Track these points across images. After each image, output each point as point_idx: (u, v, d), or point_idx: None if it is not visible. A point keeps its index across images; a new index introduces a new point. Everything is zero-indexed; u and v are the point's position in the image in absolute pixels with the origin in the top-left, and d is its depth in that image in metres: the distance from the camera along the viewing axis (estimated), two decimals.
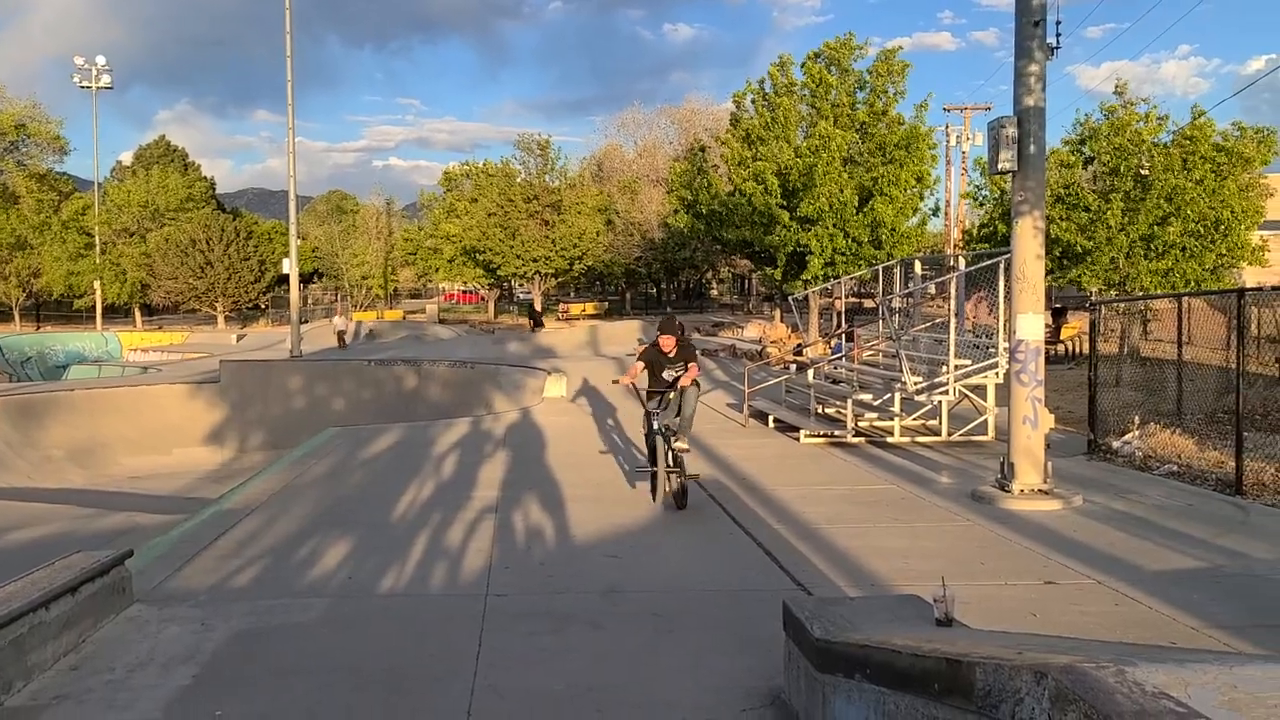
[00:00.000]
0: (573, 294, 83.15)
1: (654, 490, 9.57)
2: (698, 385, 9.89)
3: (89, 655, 5.44)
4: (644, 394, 9.77)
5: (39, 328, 61.37)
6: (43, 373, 43.78)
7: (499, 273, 59.00)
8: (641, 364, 9.86)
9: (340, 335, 42.69)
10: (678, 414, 9.56)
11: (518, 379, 24.10)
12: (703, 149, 35.84)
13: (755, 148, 31.39)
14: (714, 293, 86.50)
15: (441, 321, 62.00)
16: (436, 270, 67.68)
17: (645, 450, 10.30)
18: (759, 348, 31.89)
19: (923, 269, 16.89)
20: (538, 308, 58.10)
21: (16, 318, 63.68)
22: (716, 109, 61.93)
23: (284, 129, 33.88)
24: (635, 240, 61.09)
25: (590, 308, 70.97)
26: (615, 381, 9.92)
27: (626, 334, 44.30)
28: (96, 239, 61.80)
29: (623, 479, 11.26)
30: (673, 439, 9.35)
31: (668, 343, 9.61)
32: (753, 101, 32.73)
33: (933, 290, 17.47)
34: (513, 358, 33.43)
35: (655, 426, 9.40)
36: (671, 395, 9.54)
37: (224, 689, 5.08)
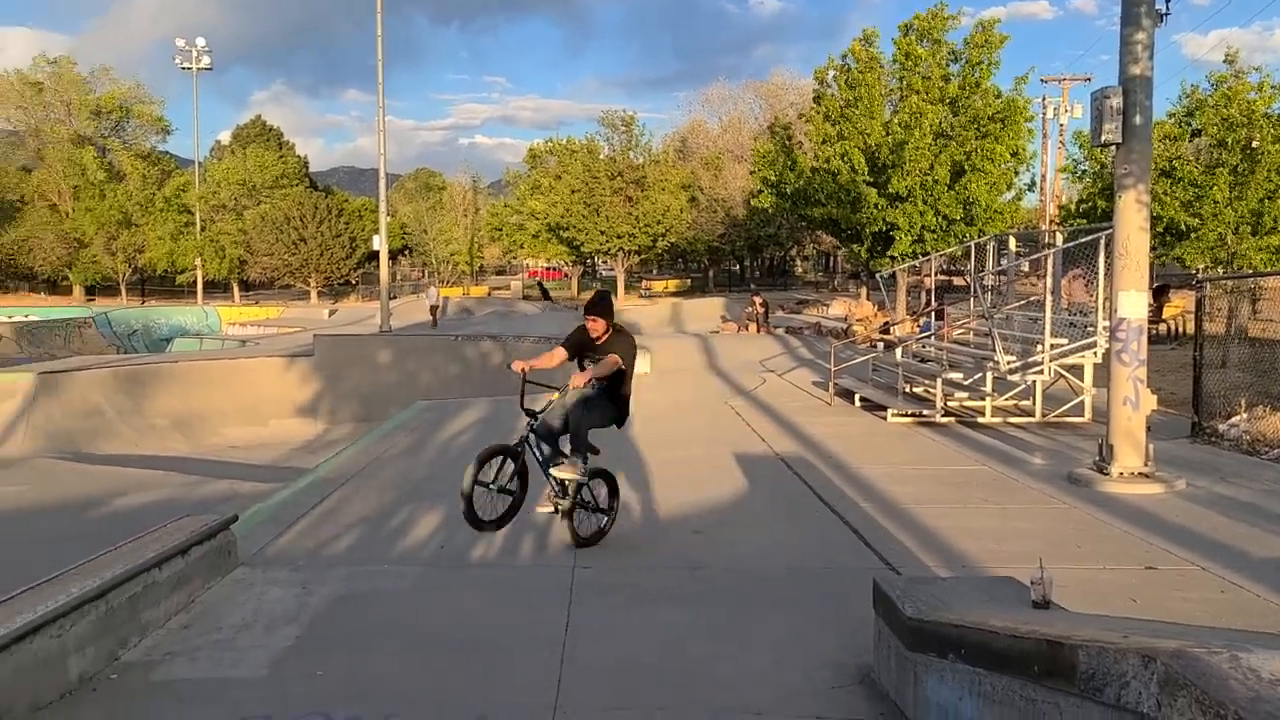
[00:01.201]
0: (655, 271, 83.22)
1: (469, 509, 6.55)
2: (614, 390, 7.23)
3: (198, 615, 5.68)
4: (525, 389, 7.09)
5: (144, 302, 63.81)
6: (148, 345, 45.56)
7: (582, 249, 59.40)
8: (565, 351, 7.38)
9: (434, 311, 43.27)
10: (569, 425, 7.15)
11: None
12: (786, 127, 35.39)
13: (840, 125, 30.88)
14: (798, 270, 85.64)
15: (526, 298, 62.71)
16: (521, 246, 68.40)
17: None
18: (844, 326, 31.53)
19: (1017, 246, 16.44)
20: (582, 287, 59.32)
21: (123, 292, 66.37)
22: (802, 84, 61.01)
23: (374, 108, 34.51)
24: (719, 217, 60.76)
25: (673, 285, 71.00)
26: (509, 366, 7.34)
27: (709, 311, 44.21)
28: (196, 216, 63.87)
29: (709, 455, 11.26)
30: (555, 464, 7.07)
31: (596, 327, 7.20)
32: (835, 78, 32.15)
33: (1026, 268, 17.02)
34: None
35: (525, 434, 7.01)
36: (555, 397, 7.13)
37: (324, 650, 5.25)
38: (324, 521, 8.30)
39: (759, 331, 31.82)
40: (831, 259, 78.18)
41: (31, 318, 48.01)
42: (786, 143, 33.60)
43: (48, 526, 12.49)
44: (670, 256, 74.22)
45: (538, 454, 7.05)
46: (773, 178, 32.54)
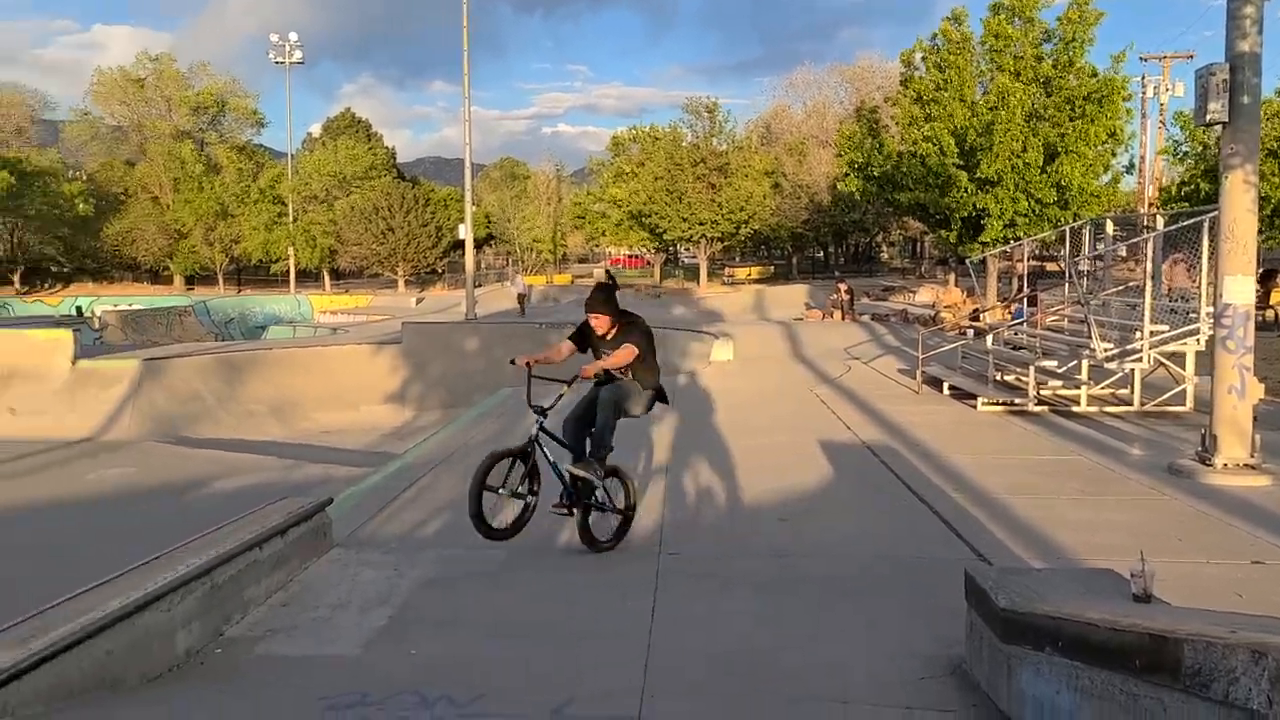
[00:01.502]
0: (738, 258, 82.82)
1: (477, 516, 6.25)
2: (635, 381, 6.88)
3: (296, 594, 5.85)
4: (531, 384, 6.72)
5: (240, 291, 65.87)
6: (244, 333, 47.06)
7: (665, 236, 59.36)
8: (571, 345, 7.04)
9: (521, 299, 43.53)
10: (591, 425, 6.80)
11: (683, 343, 24.24)
12: (873, 110, 34.81)
13: (928, 107, 30.26)
14: (884, 256, 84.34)
15: None
16: (604, 234, 68.69)
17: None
18: (932, 312, 30.98)
19: (1114, 230, 15.91)
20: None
21: (220, 281, 68.61)
22: (889, 67, 59.96)
23: (459, 99, 35.00)
24: (803, 203, 60.16)
25: (756, 271, 70.60)
26: (513, 362, 6.93)
27: (793, 298, 43.87)
28: (290, 207, 65.64)
29: (794, 443, 11.18)
30: (572, 465, 6.72)
31: (600, 323, 6.81)
32: (923, 59, 31.50)
33: (1123, 253, 16.48)
34: (678, 321, 33.63)
35: (533, 433, 6.61)
36: (567, 390, 6.79)
37: (415, 631, 5.37)
38: (413, 506, 8.48)
39: (844, 319, 31.46)
40: (919, 245, 76.85)
41: (135, 306, 49.97)
42: (873, 126, 33.05)
43: (153, 507, 13.02)
44: (753, 243, 73.74)
45: (547, 452, 6.64)
46: (859, 159, 32.06)
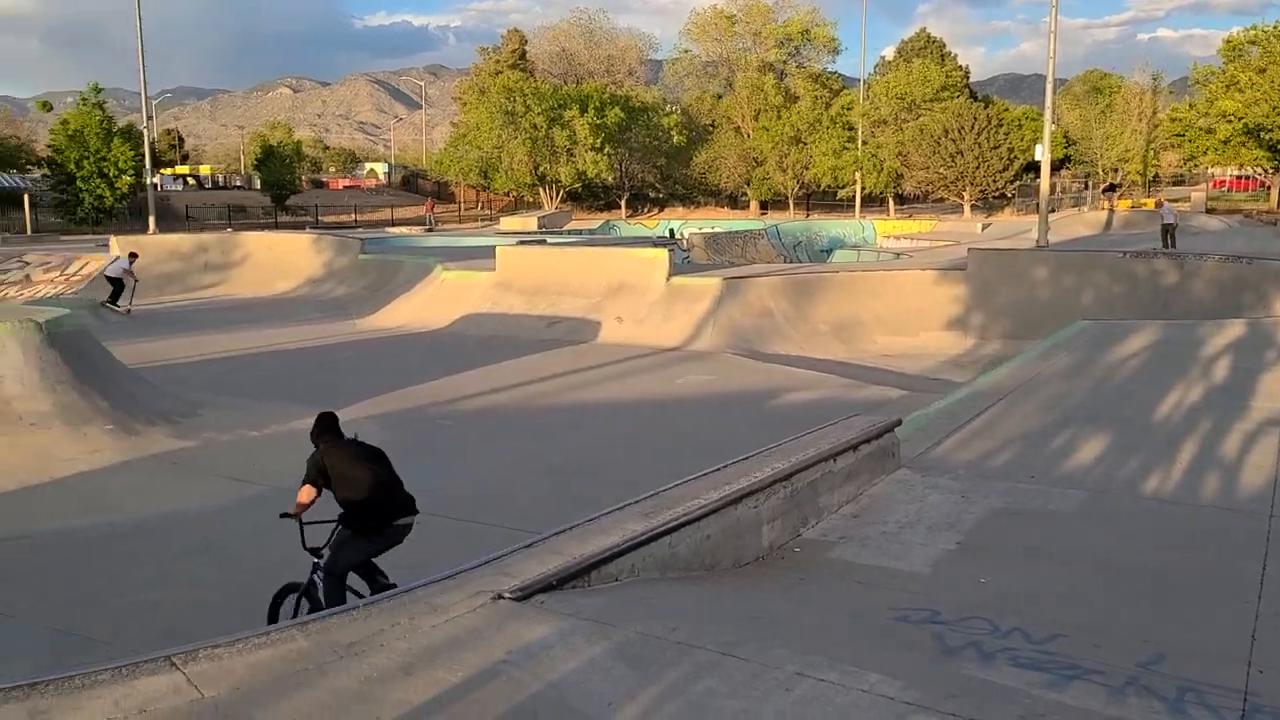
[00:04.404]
0: None
1: None
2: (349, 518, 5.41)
3: (865, 507, 6.08)
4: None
5: (808, 215, 68.98)
6: (809, 255, 49.32)
7: None
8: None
9: (1169, 231, 33.79)
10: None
11: None
12: None
13: None
14: None
15: (1209, 211, 55.44)
16: (1205, 153, 60.26)
17: None
18: None
19: None
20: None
21: (790, 206, 72.46)
22: None
23: (1040, 9, 32.60)
24: None
25: None
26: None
27: None
28: (859, 132, 66.85)
29: None
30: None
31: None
32: None
33: None
34: None
35: (310, 577, 5.59)
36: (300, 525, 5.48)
37: (984, 560, 5.30)
38: (982, 435, 8.31)
39: None
40: None
41: (716, 229, 54.73)
42: None
43: (729, 412, 14.31)
44: None
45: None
46: None
